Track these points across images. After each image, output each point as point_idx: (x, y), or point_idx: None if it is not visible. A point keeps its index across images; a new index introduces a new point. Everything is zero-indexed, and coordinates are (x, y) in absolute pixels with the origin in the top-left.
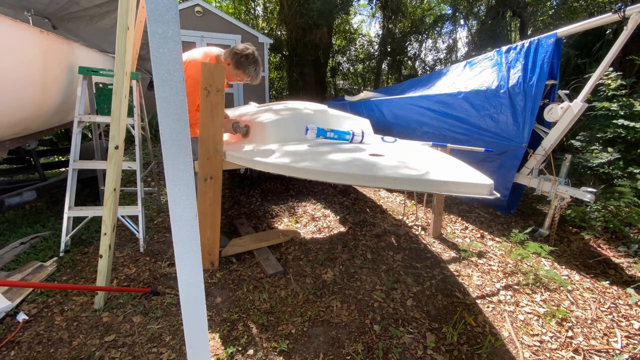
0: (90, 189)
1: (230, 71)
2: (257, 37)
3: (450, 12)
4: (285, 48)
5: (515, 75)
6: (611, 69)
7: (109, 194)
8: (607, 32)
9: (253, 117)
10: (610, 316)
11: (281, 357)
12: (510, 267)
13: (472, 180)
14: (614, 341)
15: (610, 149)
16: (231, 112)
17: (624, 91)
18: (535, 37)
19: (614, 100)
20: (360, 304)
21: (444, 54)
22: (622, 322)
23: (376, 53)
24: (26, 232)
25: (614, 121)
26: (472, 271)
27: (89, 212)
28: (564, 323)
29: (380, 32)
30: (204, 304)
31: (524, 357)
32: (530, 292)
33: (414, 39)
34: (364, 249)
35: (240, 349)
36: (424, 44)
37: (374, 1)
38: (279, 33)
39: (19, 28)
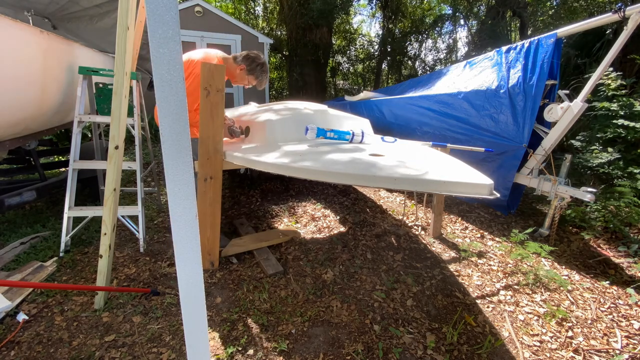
0: (90, 189)
1: (242, 75)
2: (257, 37)
3: (450, 12)
4: (285, 48)
5: (515, 75)
6: (611, 69)
7: (109, 194)
8: (607, 32)
9: (253, 117)
10: (610, 316)
11: (281, 357)
12: (510, 267)
13: (472, 180)
14: (614, 341)
15: (610, 149)
16: (231, 112)
17: (624, 91)
18: (535, 37)
19: (614, 100)
20: (360, 304)
21: (444, 54)
22: (622, 322)
23: (376, 53)
24: (26, 232)
25: (614, 121)
26: (472, 271)
27: (89, 212)
28: (564, 323)
29: (380, 32)
30: (204, 304)
31: (524, 357)
32: (530, 292)
33: (414, 39)
34: (364, 249)
35: (240, 349)
36: (424, 44)
37: (374, 1)
38: (279, 33)
39: (19, 28)
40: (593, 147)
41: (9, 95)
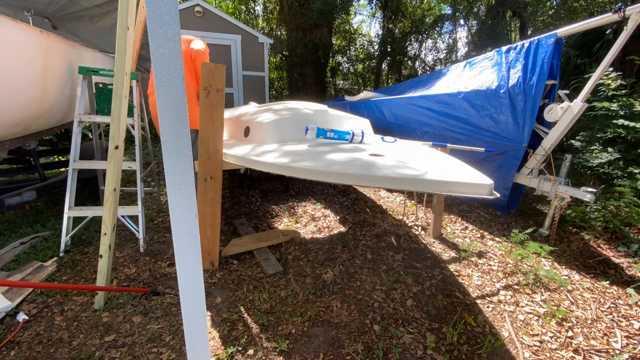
0: (90, 189)
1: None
2: (257, 37)
3: (450, 12)
4: (285, 48)
5: (515, 75)
6: (611, 69)
7: (109, 194)
8: (607, 32)
9: (253, 117)
10: (610, 316)
11: (281, 357)
12: (510, 267)
13: (472, 180)
14: (614, 341)
15: (610, 149)
16: (231, 112)
17: (624, 91)
18: (535, 37)
19: (614, 100)
20: (360, 304)
21: (444, 54)
22: (622, 322)
23: (376, 53)
24: (26, 232)
25: (614, 121)
26: (472, 271)
27: (89, 212)
28: (564, 323)
29: (380, 32)
30: (204, 304)
31: (524, 357)
32: (530, 292)
33: (414, 39)
34: (364, 249)
35: (240, 349)
36: (424, 44)
37: (374, 1)
38: (279, 33)
39: (19, 28)
40: (593, 147)
41: (9, 95)
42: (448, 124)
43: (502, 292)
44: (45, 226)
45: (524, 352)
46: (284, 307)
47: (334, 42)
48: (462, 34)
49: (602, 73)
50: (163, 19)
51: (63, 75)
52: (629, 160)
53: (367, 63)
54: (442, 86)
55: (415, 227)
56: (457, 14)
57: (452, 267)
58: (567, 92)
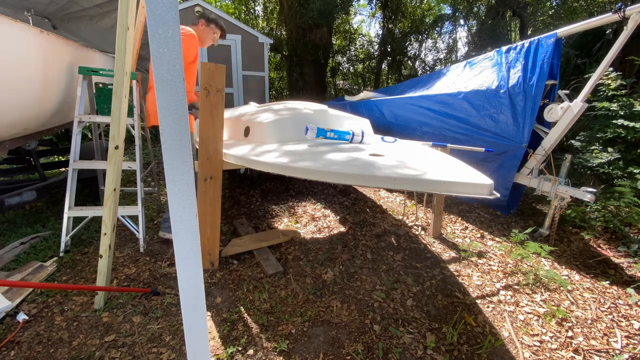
0: (90, 189)
1: (205, 31)
2: (257, 37)
3: (450, 12)
4: (285, 48)
5: (515, 75)
6: (611, 69)
7: (109, 194)
8: (607, 32)
9: (253, 117)
10: (610, 316)
11: (281, 357)
12: (510, 267)
13: (472, 180)
14: (614, 341)
15: (610, 149)
16: (231, 112)
17: (624, 91)
18: (535, 37)
19: (614, 100)
20: (360, 304)
21: (444, 54)
22: (622, 322)
23: (376, 53)
24: (26, 232)
25: (614, 121)
26: (472, 271)
27: (89, 212)
28: (564, 323)
29: (380, 32)
30: (204, 304)
31: (524, 357)
32: (530, 292)
33: (414, 39)
34: (364, 249)
35: (240, 349)
36: (424, 44)
37: (374, 1)
38: (279, 33)
39: (19, 28)
40: (593, 147)
41: (9, 95)
42: (448, 124)
43: (502, 292)
44: (45, 226)
45: (524, 352)
46: (284, 307)
47: (334, 42)
48: (462, 34)
49: (602, 73)
50: (163, 19)
51: (63, 75)
52: (629, 160)
53: (367, 63)
54: (442, 86)
55: (415, 227)
56: (457, 14)
57: (452, 267)
58: (567, 92)
